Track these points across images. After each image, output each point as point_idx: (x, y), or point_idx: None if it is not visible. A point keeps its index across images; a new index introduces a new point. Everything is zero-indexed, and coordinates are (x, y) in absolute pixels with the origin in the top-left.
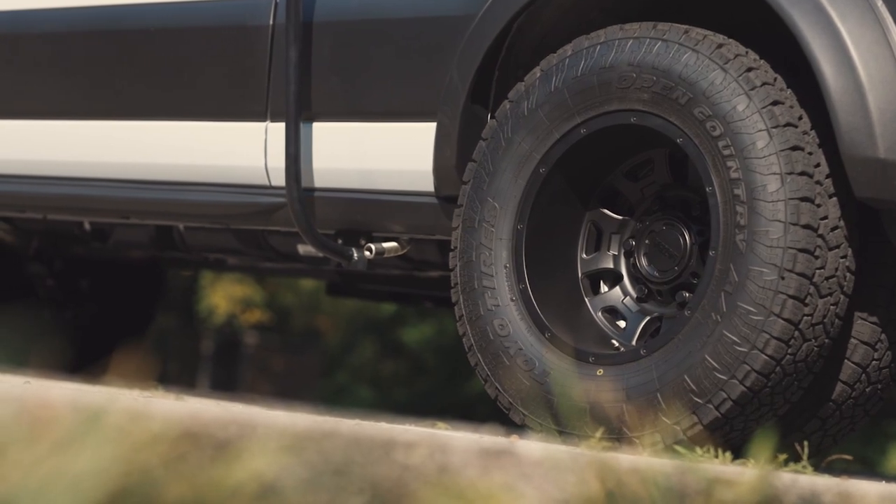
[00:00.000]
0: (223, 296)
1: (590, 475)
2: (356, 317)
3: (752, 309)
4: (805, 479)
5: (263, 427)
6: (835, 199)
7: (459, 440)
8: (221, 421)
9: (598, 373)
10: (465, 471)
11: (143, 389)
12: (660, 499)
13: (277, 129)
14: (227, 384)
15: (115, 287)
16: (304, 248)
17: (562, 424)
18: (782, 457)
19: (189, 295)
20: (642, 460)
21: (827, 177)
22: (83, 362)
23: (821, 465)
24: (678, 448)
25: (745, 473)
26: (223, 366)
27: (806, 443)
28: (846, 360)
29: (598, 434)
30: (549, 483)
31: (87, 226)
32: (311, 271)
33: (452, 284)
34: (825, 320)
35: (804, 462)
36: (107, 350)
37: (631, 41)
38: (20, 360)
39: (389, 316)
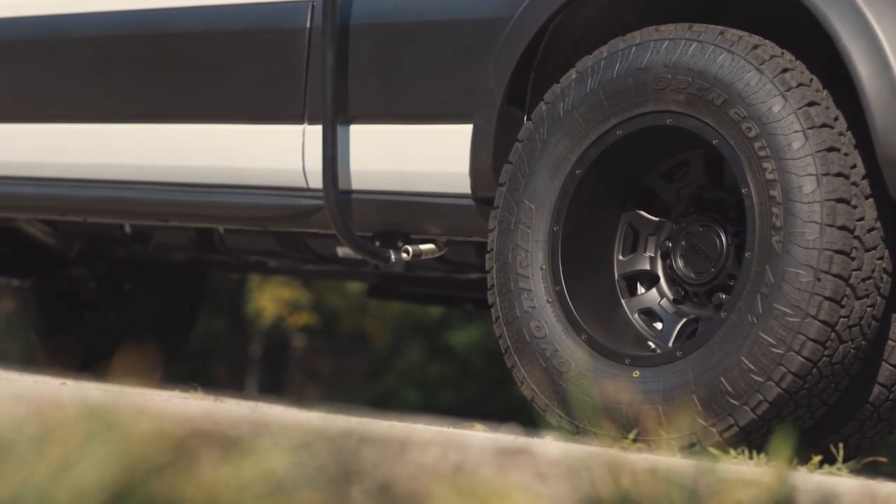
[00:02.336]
0: (270, 298)
1: (606, 475)
2: (403, 319)
3: (788, 311)
4: (827, 480)
5: (276, 425)
6: (871, 200)
7: (475, 439)
8: (234, 419)
9: (634, 374)
10: (481, 470)
11: (183, 391)
12: (676, 499)
13: (315, 132)
14: (275, 387)
15: (158, 290)
16: (342, 251)
17: (597, 426)
18: (817, 458)
19: (237, 298)
20: (660, 460)
21: (863, 178)
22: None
23: (856, 467)
24: (712, 450)
25: (763, 474)
26: (271, 369)
27: (841, 445)
28: (883, 362)
29: (632, 435)
30: (565, 483)
31: (127, 229)
32: (350, 273)
33: (489, 286)
34: (862, 322)
35: (839, 464)
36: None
37: (666, 42)
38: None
39: (436, 319)
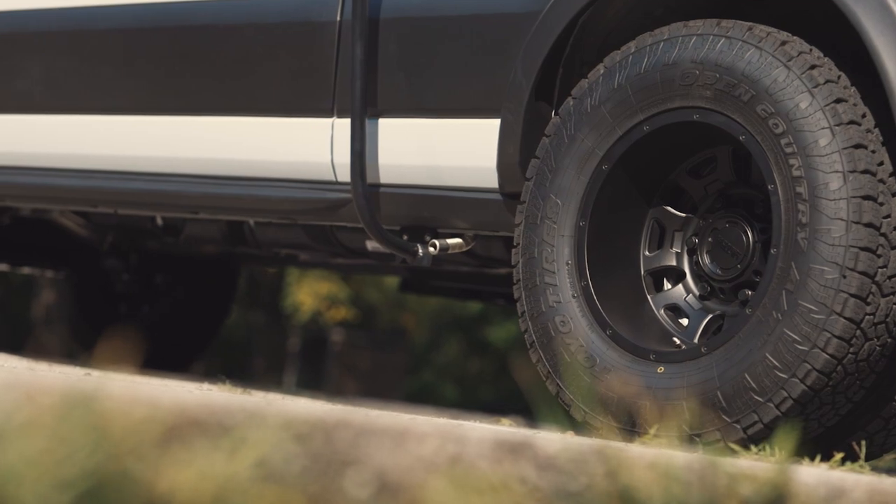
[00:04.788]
0: (308, 292)
1: (606, 469)
2: (442, 315)
3: (813, 307)
4: (833, 475)
5: (273, 415)
6: None
7: (474, 431)
8: (229, 408)
9: (658, 370)
10: (479, 462)
11: (211, 383)
12: (675, 493)
13: (344, 125)
14: (314, 381)
15: (190, 282)
16: (371, 244)
17: (621, 422)
18: (839, 455)
19: (275, 292)
20: (660, 454)
21: (890, 175)
22: (157, 357)
23: (878, 464)
24: (733, 446)
25: (766, 469)
26: (310, 363)
27: (864, 442)
28: None
29: (654, 431)
30: (563, 476)
31: (159, 221)
32: (380, 267)
33: (515, 281)
34: (888, 319)
35: (861, 462)
36: (181, 344)
37: (694, 38)
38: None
39: (475, 314)
